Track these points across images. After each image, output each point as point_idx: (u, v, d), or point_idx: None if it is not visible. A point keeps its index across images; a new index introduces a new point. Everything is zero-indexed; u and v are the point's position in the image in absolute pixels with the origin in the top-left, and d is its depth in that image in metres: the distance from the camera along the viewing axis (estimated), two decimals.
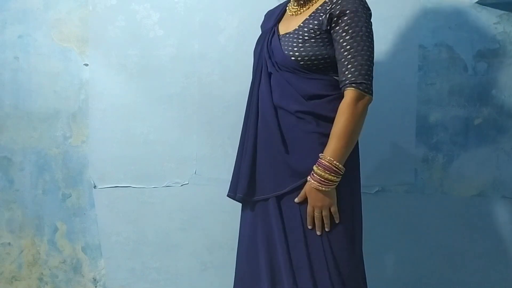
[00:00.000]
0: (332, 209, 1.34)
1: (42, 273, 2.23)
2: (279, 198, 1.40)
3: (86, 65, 2.15)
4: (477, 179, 2.07)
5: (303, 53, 1.37)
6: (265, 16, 1.64)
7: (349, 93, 1.33)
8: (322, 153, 1.33)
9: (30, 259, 2.23)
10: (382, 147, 2.07)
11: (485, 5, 2.00)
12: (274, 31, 1.46)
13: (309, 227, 1.36)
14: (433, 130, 2.06)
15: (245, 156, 1.44)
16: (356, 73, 1.32)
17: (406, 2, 2.04)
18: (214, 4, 2.09)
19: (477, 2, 2.00)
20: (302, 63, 1.37)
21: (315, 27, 1.37)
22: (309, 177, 1.34)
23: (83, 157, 2.17)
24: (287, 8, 1.53)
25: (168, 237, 2.17)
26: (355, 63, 1.33)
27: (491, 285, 2.08)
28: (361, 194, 2.06)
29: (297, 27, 1.40)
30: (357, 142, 1.45)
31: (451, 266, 2.09)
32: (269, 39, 1.45)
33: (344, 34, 1.33)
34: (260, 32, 1.59)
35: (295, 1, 1.48)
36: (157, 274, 2.19)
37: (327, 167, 1.31)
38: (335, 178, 1.31)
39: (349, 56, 1.33)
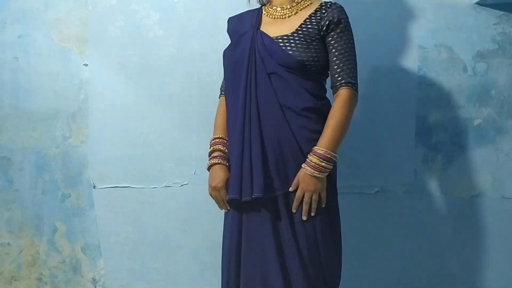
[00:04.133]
0: (322, 194, 1.45)
1: (41, 273, 2.23)
2: (286, 194, 1.46)
3: (86, 65, 2.15)
4: (476, 179, 2.07)
5: (308, 54, 1.46)
6: (230, 21, 1.67)
7: (346, 92, 1.48)
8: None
9: (30, 259, 2.23)
10: (381, 147, 2.07)
11: (484, 6, 2.01)
12: (262, 34, 1.51)
13: (294, 211, 1.45)
14: (432, 130, 2.06)
15: (251, 156, 1.45)
16: (350, 74, 1.48)
17: (405, 3, 2.04)
18: (214, 4, 2.09)
19: (476, 3, 2.01)
20: (307, 63, 1.47)
21: (315, 32, 1.48)
22: (303, 164, 1.43)
23: (83, 157, 2.17)
24: (263, 12, 1.60)
25: (168, 238, 2.17)
26: (349, 66, 1.48)
27: (491, 284, 2.08)
28: (360, 194, 2.09)
29: (295, 30, 1.49)
30: None
31: (451, 266, 2.09)
32: (260, 41, 1.50)
33: (339, 39, 1.49)
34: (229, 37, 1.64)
35: (280, 6, 1.57)
36: (157, 274, 2.18)
37: (322, 156, 1.42)
38: (329, 165, 1.43)
39: (344, 59, 1.48)
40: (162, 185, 2.15)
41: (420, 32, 2.04)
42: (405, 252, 2.09)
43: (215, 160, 1.54)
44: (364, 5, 2.04)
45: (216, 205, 1.57)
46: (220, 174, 1.52)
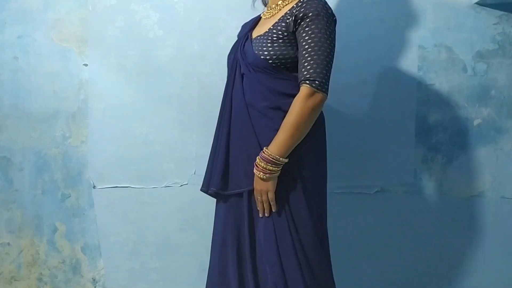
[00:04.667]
0: (269, 195, 1.43)
1: (41, 273, 2.23)
2: (251, 192, 1.48)
3: (86, 65, 2.15)
4: (476, 179, 2.07)
5: (271, 53, 1.45)
6: (242, 27, 1.72)
7: (302, 89, 1.40)
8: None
9: (30, 259, 2.23)
10: (381, 147, 2.07)
11: (484, 6, 2.01)
12: (248, 36, 1.56)
13: (258, 208, 1.47)
14: (432, 130, 2.06)
15: (218, 152, 1.52)
16: (311, 70, 1.39)
17: (405, 3, 2.04)
18: (214, 5, 2.09)
19: (476, 3, 2.00)
20: (271, 61, 1.46)
21: (283, 29, 1.46)
22: (255, 165, 1.44)
23: (83, 157, 2.17)
24: (262, 15, 1.65)
25: (168, 238, 2.17)
26: (311, 62, 1.39)
27: (491, 285, 2.08)
28: (360, 194, 2.09)
29: (267, 30, 1.50)
30: (324, 138, 1.54)
31: (451, 266, 2.09)
32: (243, 44, 1.55)
33: (304, 34, 1.41)
34: None
35: (270, 6, 1.60)
36: (157, 274, 2.18)
37: (267, 159, 1.41)
38: (275, 168, 1.41)
39: (307, 55, 1.40)
40: (162, 185, 2.15)
41: (419, 32, 2.04)
42: (405, 252, 2.09)
43: None
44: (364, 5, 2.04)
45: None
46: None
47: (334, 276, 1.57)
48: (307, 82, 1.39)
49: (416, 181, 2.07)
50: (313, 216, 1.49)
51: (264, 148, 1.42)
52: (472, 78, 2.04)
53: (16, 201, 2.21)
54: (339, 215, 2.05)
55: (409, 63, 2.05)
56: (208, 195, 1.59)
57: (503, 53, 2.02)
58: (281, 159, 1.40)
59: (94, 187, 2.17)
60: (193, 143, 2.12)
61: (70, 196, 2.20)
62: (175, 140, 2.13)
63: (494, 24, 2.02)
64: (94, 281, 2.22)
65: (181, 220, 2.15)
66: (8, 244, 2.23)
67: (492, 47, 2.03)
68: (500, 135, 2.05)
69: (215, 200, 1.60)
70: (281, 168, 1.42)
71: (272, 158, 1.40)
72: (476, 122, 2.06)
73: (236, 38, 1.68)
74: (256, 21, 1.66)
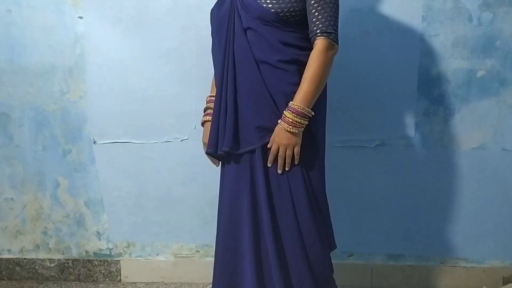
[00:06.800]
0: (295, 149, 1.44)
1: (46, 227, 2.27)
2: (264, 148, 1.46)
3: (81, 17, 2.09)
4: (477, 132, 2.06)
5: (282, 5, 1.42)
6: None
7: (321, 42, 1.42)
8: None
9: (34, 213, 2.26)
10: (382, 100, 2.05)
11: None
12: None
13: (269, 165, 1.46)
14: (435, 83, 2.03)
15: (226, 112, 1.48)
16: (326, 23, 1.42)
17: None
18: None
19: None
20: (281, 15, 1.43)
21: None
22: (280, 120, 1.43)
23: (82, 113, 2.16)
24: None
25: (169, 192, 2.19)
26: (325, 14, 1.41)
27: (490, 237, 2.12)
28: (361, 148, 2.09)
29: None
30: (326, 95, 1.53)
31: (451, 218, 2.12)
32: None
33: None
34: None
35: None
36: (159, 227, 2.22)
37: (297, 111, 1.41)
38: (304, 121, 1.42)
39: (319, 7, 1.41)
40: (163, 140, 2.15)
41: None
42: (406, 205, 2.11)
43: (207, 118, 1.61)
44: None
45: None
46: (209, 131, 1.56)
47: (334, 230, 1.59)
48: (325, 34, 1.41)
49: (417, 134, 2.06)
50: (321, 171, 1.53)
51: (290, 102, 1.42)
52: (477, 28, 1.99)
53: (17, 157, 2.21)
54: (340, 169, 2.06)
55: (413, 13, 1.99)
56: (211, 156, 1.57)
57: (510, 2, 1.96)
58: (309, 110, 1.42)
59: (94, 142, 2.17)
60: (192, 98, 2.10)
61: (71, 152, 2.20)
62: (174, 94, 2.11)
63: None
64: (98, 234, 2.26)
65: (182, 175, 2.16)
66: (12, 199, 2.25)
67: None
68: (504, 87, 2.02)
69: None
70: (307, 121, 1.43)
71: (302, 110, 1.41)
72: (479, 74, 2.02)
73: None
74: None
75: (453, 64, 2.02)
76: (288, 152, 1.43)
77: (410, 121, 2.06)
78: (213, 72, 1.60)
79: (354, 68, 2.02)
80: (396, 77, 2.04)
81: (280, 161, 1.44)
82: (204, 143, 1.63)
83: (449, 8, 1.98)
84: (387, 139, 2.08)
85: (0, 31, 2.13)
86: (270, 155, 1.45)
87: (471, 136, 2.07)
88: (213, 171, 1.67)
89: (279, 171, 1.45)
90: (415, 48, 2.01)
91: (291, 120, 1.41)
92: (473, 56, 2.01)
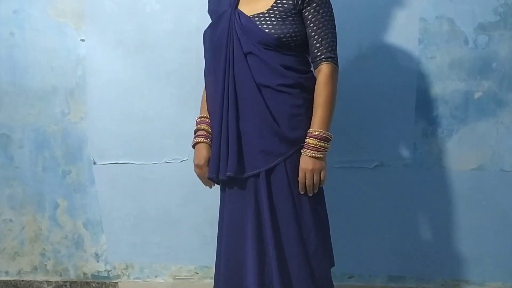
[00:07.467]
0: (322, 174, 1.48)
1: (44, 249, 2.26)
2: (269, 172, 1.47)
3: (83, 40, 2.12)
4: (476, 152, 2.07)
5: (284, 31, 1.45)
6: (210, 1, 1.63)
7: (327, 67, 1.48)
8: (310, 122, 1.48)
9: (32, 235, 2.25)
10: (381, 121, 2.06)
11: None
12: (239, 13, 1.50)
13: (301, 192, 1.48)
14: (433, 104, 2.05)
15: (229, 136, 1.48)
16: (329, 48, 1.48)
17: None
18: None
19: None
20: (284, 40, 1.46)
21: (290, 7, 1.46)
22: (303, 149, 1.46)
23: (82, 134, 2.17)
24: None
25: (169, 212, 2.18)
26: (328, 40, 1.47)
27: (490, 258, 2.10)
28: (360, 169, 2.11)
29: (270, 7, 1.47)
30: None
31: (450, 239, 2.11)
32: (237, 21, 1.48)
33: (316, 13, 1.46)
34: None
35: None
36: (158, 248, 2.21)
37: (319, 136, 1.45)
38: (327, 144, 1.47)
39: (321, 32, 1.47)
40: (162, 161, 2.16)
41: (421, 4, 2.00)
42: (406, 226, 2.11)
43: (199, 139, 1.60)
44: None
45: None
46: (202, 152, 1.58)
47: (333, 250, 1.59)
48: (329, 59, 1.47)
49: (416, 155, 2.07)
50: (323, 191, 1.55)
51: (309, 130, 1.46)
52: (473, 51, 2.02)
53: (17, 178, 2.22)
54: (340, 190, 2.06)
55: (410, 36, 2.02)
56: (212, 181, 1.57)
57: (505, 25, 2.00)
58: (330, 133, 1.47)
59: (94, 163, 2.18)
60: (192, 119, 2.08)
61: (70, 173, 2.20)
62: (174, 116, 2.12)
63: None
64: (96, 255, 2.25)
65: (181, 196, 2.16)
66: (11, 220, 2.25)
67: (494, 19, 2.00)
68: (501, 108, 2.04)
69: None
70: (329, 144, 1.47)
71: (323, 134, 1.45)
72: (476, 95, 2.04)
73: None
74: None
75: (450, 85, 2.04)
76: (316, 178, 1.46)
77: (408, 142, 2.07)
78: None
79: (353, 90, 2.04)
80: (394, 99, 2.06)
81: (308, 189, 1.47)
82: (196, 165, 1.61)
83: (445, 31, 2.01)
84: (386, 160, 2.08)
85: (3, 54, 2.16)
86: (299, 184, 1.47)
87: (469, 157, 2.07)
88: (213, 192, 1.67)
89: (301, 192, 1.47)
90: (412, 70, 2.04)
91: (314, 146, 1.44)
92: (469, 77, 2.03)
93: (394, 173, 2.09)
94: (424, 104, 2.05)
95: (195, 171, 1.63)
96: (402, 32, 2.02)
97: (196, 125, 1.64)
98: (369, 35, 2.03)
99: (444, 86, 2.04)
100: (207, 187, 1.65)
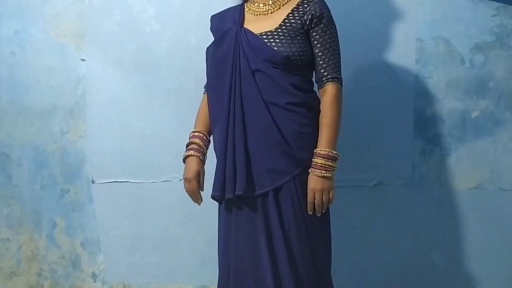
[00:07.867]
0: (331, 193, 1.48)
1: (41, 269, 2.24)
2: (276, 190, 1.47)
3: (83, 60, 2.14)
4: (474, 171, 2.07)
5: (293, 49, 1.47)
6: (213, 19, 1.65)
7: (333, 87, 1.51)
8: (316, 142, 1.49)
9: (29, 254, 2.23)
10: (379, 140, 2.07)
11: None
12: (246, 31, 1.51)
13: (310, 212, 1.48)
14: (430, 123, 2.06)
15: (236, 154, 1.47)
16: (335, 68, 1.51)
17: None
18: None
19: None
20: (292, 58, 1.47)
21: (298, 26, 1.49)
22: (310, 169, 1.47)
23: (81, 152, 2.17)
24: (246, 9, 1.60)
25: (167, 232, 2.17)
26: (334, 60, 1.51)
27: (490, 277, 2.08)
28: (358, 187, 2.10)
29: (278, 26, 1.50)
30: None
31: (449, 259, 2.09)
32: (244, 38, 1.50)
33: (323, 34, 1.50)
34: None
35: (262, 2, 1.56)
36: (156, 268, 2.19)
37: (326, 155, 1.46)
38: (334, 164, 1.48)
39: (329, 53, 1.50)
40: (161, 180, 2.15)
41: (417, 25, 2.03)
42: (403, 245, 2.09)
43: (189, 152, 1.59)
44: None
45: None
46: (192, 166, 1.57)
47: (332, 269, 1.59)
48: (335, 80, 1.51)
49: (415, 174, 2.07)
50: (329, 213, 1.57)
51: (316, 149, 1.47)
52: (470, 70, 2.04)
53: (15, 197, 2.21)
54: (338, 208, 2.05)
55: (407, 56, 2.04)
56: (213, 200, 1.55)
57: (500, 45, 2.02)
58: (336, 153, 1.48)
59: (93, 182, 2.18)
60: None
61: (69, 191, 2.20)
62: (173, 134, 2.12)
63: (492, 16, 2.02)
64: (94, 275, 2.23)
65: (180, 215, 2.15)
66: (8, 239, 2.23)
67: (490, 39, 2.02)
68: (498, 127, 2.05)
69: None
70: (337, 164, 1.48)
71: (331, 153, 1.46)
72: (474, 114, 2.05)
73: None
74: (240, 14, 1.58)
75: (447, 104, 2.05)
76: (325, 197, 1.47)
77: (407, 161, 2.07)
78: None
79: (352, 109, 2.04)
80: (392, 118, 2.07)
81: (317, 208, 1.47)
82: (185, 179, 1.59)
83: (442, 51, 2.04)
84: (384, 178, 2.08)
85: (4, 73, 2.18)
86: (308, 204, 1.47)
87: (468, 176, 2.07)
88: (211, 210, 1.67)
89: (318, 215, 1.48)
90: (409, 90, 2.05)
91: (322, 165, 1.45)
92: (466, 97, 2.05)
93: (393, 191, 2.08)
94: (422, 123, 2.06)
95: (184, 186, 1.61)
96: (400, 52, 2.05)
97: (189, 139, 1.63)
98: (367, 55, 2.05)
99: (442, 105, 2.05)
100: (205, 206, 1.64)
